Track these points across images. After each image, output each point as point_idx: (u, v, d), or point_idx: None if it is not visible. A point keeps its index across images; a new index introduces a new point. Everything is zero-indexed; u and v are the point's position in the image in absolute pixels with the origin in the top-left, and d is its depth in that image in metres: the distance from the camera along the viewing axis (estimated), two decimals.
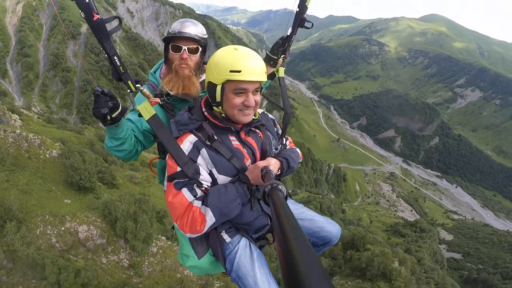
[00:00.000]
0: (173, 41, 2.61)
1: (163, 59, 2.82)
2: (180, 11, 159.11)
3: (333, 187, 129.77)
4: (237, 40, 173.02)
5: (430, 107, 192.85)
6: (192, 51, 2.65)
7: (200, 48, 2.69)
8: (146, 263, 15.94)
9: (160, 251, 16.82)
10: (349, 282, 22.93)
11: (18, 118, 29.46)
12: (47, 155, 18.69)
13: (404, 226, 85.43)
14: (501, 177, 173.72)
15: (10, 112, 28.26)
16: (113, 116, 2.20)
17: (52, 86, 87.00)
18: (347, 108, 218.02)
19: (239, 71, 2.04)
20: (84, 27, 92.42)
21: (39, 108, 77.32)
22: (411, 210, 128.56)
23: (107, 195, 18.59)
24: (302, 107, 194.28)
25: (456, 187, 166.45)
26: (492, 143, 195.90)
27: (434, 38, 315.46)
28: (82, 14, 1.95)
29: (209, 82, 2.17)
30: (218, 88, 2.12)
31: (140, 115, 2.24)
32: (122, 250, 15.79)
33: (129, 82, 2.20)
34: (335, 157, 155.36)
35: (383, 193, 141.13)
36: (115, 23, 2.19)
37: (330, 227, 2.75)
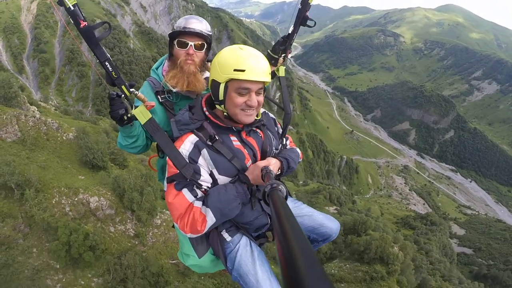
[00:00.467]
0: (179, 36, 2.64)
1: (166, 55, 2.90)
2: (193, 4, 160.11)
3: (345, 179, 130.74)
4: (250, 32, 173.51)
5: (445, 99, 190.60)
6: (198, 47, 2.68)
7: (206, 45, 2.74)
8: (150, 234, 17.40)
9: (164, 224, 18.28)
10: (347, 265, 23.91)
11: (37, 109, 31.02)
12: (64, 137, 20.50)
13: (414, 219, 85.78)
14: None
15: (29, 104, 29.79)
16: (129, 115, 2.29)
17: (68, 81, 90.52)
18: (361, 100, 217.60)
19: (243, 70, 2.07)
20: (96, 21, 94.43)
21: (55, 102, 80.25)
22: (424, 204, 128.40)
23: (118, 172, 20.36)
24: (315, 98, 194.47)
25: (471, 181, 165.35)
26: (509, 138, 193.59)
27: (450, 29, 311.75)
28: (71, 21, 2.01)
29: (213, 80, 2.20)
30: (222, 87, 2.15)
31: (136, 119, 2.30)
32: (128, 220, 17.19)
33: (123, 87, 2.25)
34: (348, 149, 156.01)
35: (396, 186, 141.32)
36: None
37: (330, 223, 2.81)
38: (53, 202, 14.95)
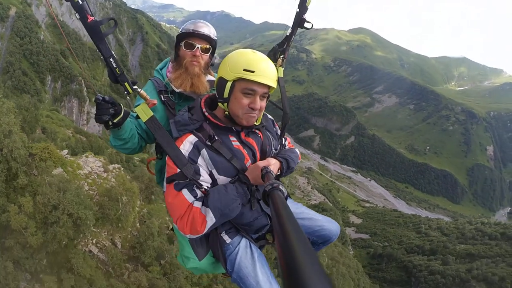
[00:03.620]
0: (186, 38, 2.80)
1: (170, 57, 3.08)
2: (111, 2, 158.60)
3: None
4: (167, 37, 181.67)
5: (347, 109, 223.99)
6: (204, 50, 2.84)
7: (211, 49, 2.91)
8: None
9: None
10: None
11: None
12: None
13: (307, 207, 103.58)
14: (413, 171, 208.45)
15: None
16: (114, 121, 2.35)
17: None
18: (271, 109, 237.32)
19: (253, 71, 2.17)
20: (13, 10, 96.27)
21: None
22: (324, 199, 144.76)
23: None
24: None
25: (370, 180, 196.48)
26: (405, 142, 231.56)
27: (358, 49, 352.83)
28: (77, 16, 2.05)
29: (220, 77, 2.30)
30: (228, 85, 2.25)
31: (137, 117, 2.45)
32: None
33: (126, 84, 2.32)
34: None
35: (299, 185, 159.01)
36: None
37: (330, 226, 2.91)
38: None
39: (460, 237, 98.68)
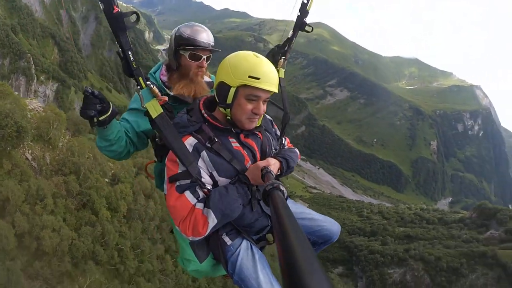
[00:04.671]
0: (191, 49, 2.75)
1: (162, 61, 3.08)
2: None
3: None
4: None
5: (299, 100, 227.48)
6: (207, 59, 2.87)
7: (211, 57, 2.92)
8: None
9: None
10: None
11: None
12: None
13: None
14: (359, 161, 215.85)
15: None
16: (100, 119, 2.30)
17: None
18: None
19: (258, 78, 2.14)
20: None
21: None
22: None
23: None
24: None
25: (319, 168, 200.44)
26: (354, 134, 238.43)
27: (316, 42, 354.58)
28: (101, 6, 2.01)
29: (222, 83, 2.25)
30: (232, 91, 2.21)
31: (146, 114, 2.31)
32: None
33: (140, 78, 2.30)
34: None
35: None
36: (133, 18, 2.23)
37: (330, 226, 2.92)
38: None
39: (399, 221, 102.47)
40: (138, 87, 2.34)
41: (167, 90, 2.84)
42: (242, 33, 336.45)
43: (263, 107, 2.29)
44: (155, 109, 2.29)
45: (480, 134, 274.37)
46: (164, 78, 2.92)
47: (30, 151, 22.06)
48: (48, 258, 18.43)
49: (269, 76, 2.19)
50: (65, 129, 26.75)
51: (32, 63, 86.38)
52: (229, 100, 2.24)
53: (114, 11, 2.02)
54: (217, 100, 2.35)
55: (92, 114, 2.23)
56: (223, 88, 2.24)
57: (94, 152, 25.31)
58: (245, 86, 2.18)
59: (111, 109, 2.32)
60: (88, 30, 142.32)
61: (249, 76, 2.14)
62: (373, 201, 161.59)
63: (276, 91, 2.28)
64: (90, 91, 2.18)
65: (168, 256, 26.29)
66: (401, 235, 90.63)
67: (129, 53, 2.19)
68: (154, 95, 2.37)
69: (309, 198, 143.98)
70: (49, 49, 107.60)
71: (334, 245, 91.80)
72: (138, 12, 2.24)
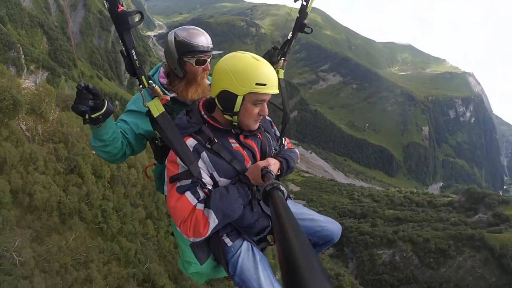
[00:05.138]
0: (196, 55, 2.77)
1: (161, 63, 3.10)
2: None
3: None
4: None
5: (291, 85, 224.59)
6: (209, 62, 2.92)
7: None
8: None
9: None
10: None
11: None
12: None
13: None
14: (351, 145, 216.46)
15: None
16: (92, 116, 2.25)
17: None
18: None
19: (265, 84, 2.17)
20: None
21: None
22: None
23: None
24: None
25: (311, 153, 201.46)
26: (346, 119, 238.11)
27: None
28: (107, 4, 2.00)
29: (226, 92, 2.24)
30: (240, 99, 2.21)
31: (147, 113, 2.29)
32: None
33: (143, 77, 2.30)
34: None
35: None
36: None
37: (331, 226, 2.94)
38: None
39: (389, 204, 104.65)
40: (140, 86, 2.32)
41: (166, 92, 2.83)
42: (234, 17, 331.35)
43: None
44: (157, 108, 2.29)
45: (472, 121, 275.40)
46: (163, 81, 2.92)
47: (24, 123, 23.34)
48: (38, 212, 19.71)
49: (273, 80, 2.22)
50: (55, 105, 27.81)
51: (21, 53, 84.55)
52: (236, 109, 2.25)
53: (119, 9, 2.00)
54: (221, 108, 2.34)
55: (83, 109, 2.18)
56: (228, 97, 2.24)
57: (81, 125, 25.77)
58: (251, 93, 2.19)
59: (105, 107, 2.28)
60: (77, 18, 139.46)
61: (257, 84, 2.15)
62: (364, 185, 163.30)
63: (278, 91, 2.32)
64: (83, 85, 2.13)
65: (149, 221, 27.34)
66: (391, 217, 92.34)
67: (133, 51, 2.19)
68: (156, 94, 2.37)
69: (301, 182, 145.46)
70: (38, 38, 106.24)
71: None
72: (141, 11, 2.22)
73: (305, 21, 3.37)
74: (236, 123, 2.36)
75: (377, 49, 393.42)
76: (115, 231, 23.77)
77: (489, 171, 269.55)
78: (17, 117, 22.88)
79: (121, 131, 2.73)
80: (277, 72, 3.11)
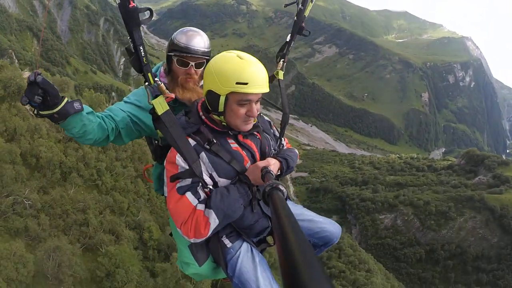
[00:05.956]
0: (179, 54, 2.74)
1: (162, 62, 3.09)
2: None
3: None
4: None
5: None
6: (198, 66, 2.83)
7: (206, 63, 2.83)
8: None
9: None
10: None
11: None
12: None
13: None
14: (351, 116, 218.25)
15: None
16: (41, 113, 2.16)
17: None
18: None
19: (246, 83, 2.11)
20: None
21: None
22: None
23: None
24: None
25: (311, 126, 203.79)
26: (344, 90, 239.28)
27: None
28: (117, 0, 1.95)
29: (210, 91, 2.23)
30: (222, 99, 2.19)
31: (151, 111, 2.29)
32: None
33: (149, 74, 2.28)
34: None
35: None
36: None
37: (331, 227, 2.93)
38: None
39: (390, 170, 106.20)
40: (147, 83, 2.31)
41: (167, 92, 2.78)
42: None
43: (257, 107, 2.28)
44: (161, 106, 2.25)
45: (472, 85, 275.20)
46: (164, 80, 2.92)
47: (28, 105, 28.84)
48: (44, 170, 24.28)
49: (257, 79, 2.15)
50: None
51: (14, 58, 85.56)
52: (220, 108, 2.23)
53: (130, 5, 1.96)
54: (210, 109, 2.34)
55: (25, 103, 2.07)
56: (212, 97, 2.24)
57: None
58: (234, 92, 2.15)
59: (59, 107, 2.17)
60: (64, 16, 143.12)
61: (237, 83, 2.10)
62: (366, 154, 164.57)
63: (267, 90, 2.25)
64: (32, 78, 2.00)
65: (139, 180, 30.44)
66: (392, 183, 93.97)
67: (141, 48, 2.16)
68: (162, 92, 2.37)
69: (303, 155, 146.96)
70: (28, 41, 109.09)
71: (327, 196, 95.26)
72: (151, 8, 2.20)
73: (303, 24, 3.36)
74: (224, 123, 2.35)
75: (372, 18, 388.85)
76: (109, 187, 27.60)
77: (491, 136, 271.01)
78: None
79: (110, 115, 2.75)
80: (277, 74, 3.27)
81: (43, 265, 19.37)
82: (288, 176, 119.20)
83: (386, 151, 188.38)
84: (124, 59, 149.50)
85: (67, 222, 23.05)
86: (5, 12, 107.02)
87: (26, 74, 30.94)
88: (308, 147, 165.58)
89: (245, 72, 2.12)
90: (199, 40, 2.79)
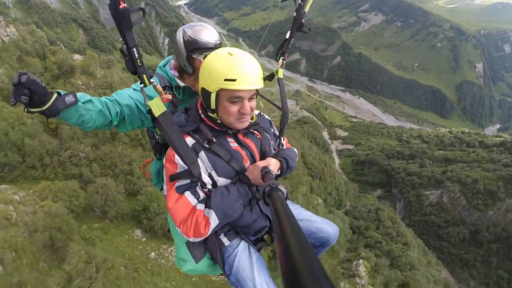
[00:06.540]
0: (206, 52, 2.75)
1: (172, 56, 3.11)
2: None
3: None
4: None
5: (330, 30, 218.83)
6: None
7: None
8: None
9: None
10: None
11: None
12: None
13: (290, 122, 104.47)
14: (401, 87, 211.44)
15: None
16: (32, 110, 2.11)
17: None
18: (255, 38, 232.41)
19: (234, 80, 2.09)
20: None
21: None
22: (312, 117, 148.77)
23: None
24: None
25: (359, 98, 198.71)
26: (393, 60, 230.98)
27: None
28: (108, 1, 1.95)
29: (203, 89, 2.24)
30: (213, 96, 2.19)
31: (148, 112, 2.28)
32: None
33: (144, 76, 2.27)
34: None
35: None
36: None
37: (328, 228, 2.91)
38: None
39: (439, 144, 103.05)
40: (142, 85, 2.32)
41: (178, 81, 2.92)
42: None
43: (251, 104, 2.28)
44: (158, 107, 2.28)
45: None
46: (174, 73, 2.98)
47: (80, 80, 34.51)
48: (96, 130, 30.27)
49: (246, 75, 2.13)
50: (100, 66, 38.71)
51: (63, 48, 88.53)
52: (212, 106, 2.25)
53: (120, 6, 1.97)
54: (204, 106, 2.36)
55: (12, 104, 2.05)
56: (204, 94, 2.26)
57: (119, 74, 38.85)
58: (224, 89, 2.16)
59: (48, 105, 2.11)
60: (105, 5, 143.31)
61: (225, 80, 2.11)
62: (415, 127, 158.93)
63: (260, 87, 2.24)
64: (16, 81, 1.93)
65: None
66: (440, 158, 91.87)
67: (134, 50, 2.16)
68: (158, 93, 2.43)
69: (349, 127, 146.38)
70: (74, 32, 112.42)
71: (373, 169, 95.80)
72: (143, 8, 2.23)
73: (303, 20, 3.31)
74: (219, 121, 2.36)
75: None
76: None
77: None
78: (74, 77, 33.86)
79: (116, 100, 2.73)
80: (277, 72, 3.28)
81: (92, 199, 24.18)
82: (333, 148, 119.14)
83: (437, 125, 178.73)
84: (168, 39, 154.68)
85: (115, 171, 28.09)
86: (48, 8, 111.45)
87: (76, 57, 38.57)
88: (355, 120, 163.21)
89: (234, 68, 2.11)
90: (214, 33, 2.89)
